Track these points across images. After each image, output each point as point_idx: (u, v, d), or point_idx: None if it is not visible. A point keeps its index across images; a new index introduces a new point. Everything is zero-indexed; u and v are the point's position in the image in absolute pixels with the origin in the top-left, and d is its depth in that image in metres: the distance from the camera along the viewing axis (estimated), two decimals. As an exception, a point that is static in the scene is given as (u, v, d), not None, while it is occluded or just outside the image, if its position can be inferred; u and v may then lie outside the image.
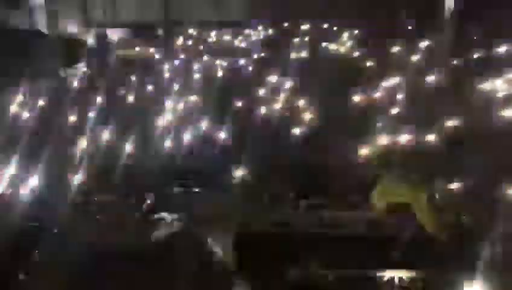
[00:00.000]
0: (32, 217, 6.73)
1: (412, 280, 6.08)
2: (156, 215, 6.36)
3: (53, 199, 7.49)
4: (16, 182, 7.81)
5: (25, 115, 11.12)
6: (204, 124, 10.30)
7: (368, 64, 14.76)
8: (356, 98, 11.49)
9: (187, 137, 9.84)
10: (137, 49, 17.36)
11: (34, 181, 7.73)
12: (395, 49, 15.34)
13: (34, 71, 11.47)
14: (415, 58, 14.61)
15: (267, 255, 6.23)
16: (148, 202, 7.60)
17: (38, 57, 10.95)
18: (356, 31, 18.20)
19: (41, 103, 11.41)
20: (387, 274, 6.16)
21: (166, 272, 5.07)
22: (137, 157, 9.17)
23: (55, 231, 6.07)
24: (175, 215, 6.20)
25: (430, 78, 12.50)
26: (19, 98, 11.63)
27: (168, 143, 9.66)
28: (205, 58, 16.28)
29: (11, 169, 7.98)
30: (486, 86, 11.59)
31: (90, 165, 8.77)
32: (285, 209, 7.45)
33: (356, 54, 16.31)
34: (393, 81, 12.52)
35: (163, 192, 7.80)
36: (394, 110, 10.84)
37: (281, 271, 6.13)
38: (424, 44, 15.21)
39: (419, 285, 6.16)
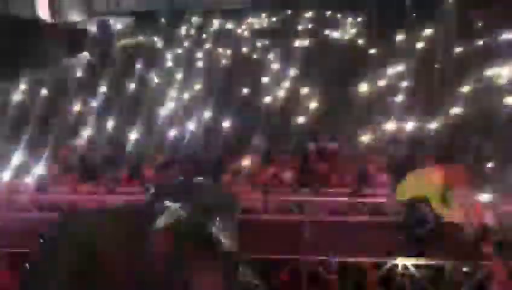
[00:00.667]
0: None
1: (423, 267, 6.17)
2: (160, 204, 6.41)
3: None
4: (22, 170, 7.90)
5: (29, 103, 11.18)
6: (207, 113, 10.28)
7: (372, 51, 14.72)
8: (360, 87, 11.45)
9: (191, 126, 9.83)
10: (140, 38, 17.34)
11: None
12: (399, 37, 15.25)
13: (37, 60, 11.49)
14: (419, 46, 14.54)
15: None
16: (151, 191, 7.67)
17: (41, 46, 10.94)
18: (359, 19, 18.09)
19: (44, 91, 11.48)
20: (399, 261, 6.23)
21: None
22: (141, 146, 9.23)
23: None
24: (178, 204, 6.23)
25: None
26: (23, 86, 11.69)
27: (171, 132, 9.66)
28: (207, 46, 16.23)
29: (17, 157, 8.07)
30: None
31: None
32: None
33: (360, 41, 16.23)
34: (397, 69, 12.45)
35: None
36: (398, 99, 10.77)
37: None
38: (427, 32, 15.10)
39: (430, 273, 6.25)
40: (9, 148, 8.49)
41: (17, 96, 11.39)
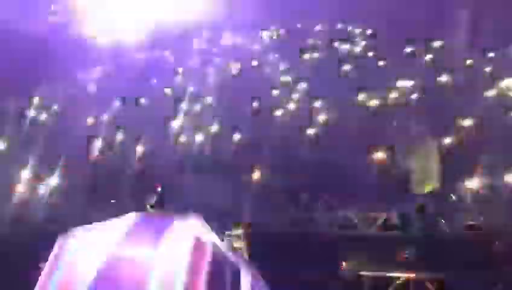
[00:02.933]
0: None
1: (428, 280, 6.15)
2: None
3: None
4: (36, 183, 7.99)
5: (43, 117, 11.33)
6: (218, 125, 10.34)
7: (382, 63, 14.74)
8: (370, 99, 11.46)
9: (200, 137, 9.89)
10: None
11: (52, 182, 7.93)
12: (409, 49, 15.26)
13: (51, 74, 11.63)
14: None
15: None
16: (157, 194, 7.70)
17: (55, 60, 11.10)
18: (370, 31, 18.13)
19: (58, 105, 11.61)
20: (404, 275, 6.22)
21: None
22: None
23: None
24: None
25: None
26: (37, 100, 11.84)
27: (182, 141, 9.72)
28: (218, 60, 16.34)
29: (30, 170, 8.16)
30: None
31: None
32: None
33: (370, 54, 16.26)
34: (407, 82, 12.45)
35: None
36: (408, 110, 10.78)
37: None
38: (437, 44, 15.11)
39: (437, 286, 6.21)
40: (23, 162, 8.57)
41: (30, 111, 11.53)
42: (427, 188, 6.96)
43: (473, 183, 7.38)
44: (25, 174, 8.15)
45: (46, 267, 3.91)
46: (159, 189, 7.42)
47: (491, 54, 13.26)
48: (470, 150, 8.62)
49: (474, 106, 10.53)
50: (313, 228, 7.22)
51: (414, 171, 7.16)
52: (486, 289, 6.11)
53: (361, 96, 11.60)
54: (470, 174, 7.57)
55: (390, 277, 6.35)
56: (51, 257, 3.62)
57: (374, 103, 11.29)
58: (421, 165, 7.01)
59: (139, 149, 9.36)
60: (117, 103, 12.15)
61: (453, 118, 9.91)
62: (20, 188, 7.86)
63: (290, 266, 6.37)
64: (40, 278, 3.20)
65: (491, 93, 11.31)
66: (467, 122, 9.77)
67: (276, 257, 6.37)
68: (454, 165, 8.04)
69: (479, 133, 9.28)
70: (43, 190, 7.96)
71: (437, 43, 14.97)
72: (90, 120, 11.05)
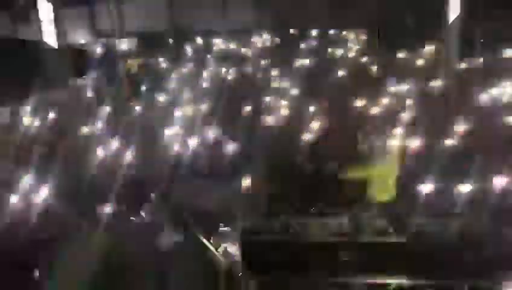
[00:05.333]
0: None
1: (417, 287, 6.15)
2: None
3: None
4: (30, 192, 7.91)
5: (37, 124, 11.27)
6: (212, 131, 10.30)
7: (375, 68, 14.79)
8: (363, 105, 11.45)
9: (194, 143, 9.84)
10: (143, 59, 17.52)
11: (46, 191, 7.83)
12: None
13: (43, 82, 11.61)
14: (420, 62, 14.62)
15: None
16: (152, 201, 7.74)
17: (47, 68, 11.08)
18: (364, 36, 18.20)
19: (52, 113, 11.58)
20: (395, 281, 6.20)
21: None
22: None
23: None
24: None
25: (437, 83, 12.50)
26: (30, 108, 11.82)
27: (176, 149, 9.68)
28: (212, 66, 16.38)
29: (25, 179, 8.08)
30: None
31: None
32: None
33: (364, 59, 16.31)
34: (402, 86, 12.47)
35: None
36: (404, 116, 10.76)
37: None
38: (430, 48, 15.19)
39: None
40: (18, 171, 8.51)
41: (24, 119, 11.50)
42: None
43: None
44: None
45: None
46: (153, 196, 7.50)
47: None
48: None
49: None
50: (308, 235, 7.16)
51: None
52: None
53: (355, 103, 11.56)
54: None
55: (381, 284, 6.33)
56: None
57: (367, 108, 11.25)
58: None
59: (132, 155, 9.30)
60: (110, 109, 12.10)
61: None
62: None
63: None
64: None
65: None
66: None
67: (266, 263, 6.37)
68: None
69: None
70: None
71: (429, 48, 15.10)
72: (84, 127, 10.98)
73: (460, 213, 7.12)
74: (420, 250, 6.32)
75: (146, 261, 5.62)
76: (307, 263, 6.38)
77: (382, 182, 7.01)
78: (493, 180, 7.40)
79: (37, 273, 5.93)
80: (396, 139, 8.08)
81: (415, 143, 8.87)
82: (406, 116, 10.57)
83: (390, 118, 10.32)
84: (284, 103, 12.15)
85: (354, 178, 7.22)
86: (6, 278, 5.75)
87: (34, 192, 7.79)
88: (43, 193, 7.72)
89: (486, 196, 7.31)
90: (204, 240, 6.39)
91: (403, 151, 7.80)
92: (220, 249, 6.54)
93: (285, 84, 13.75)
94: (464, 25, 12.44)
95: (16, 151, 9.65)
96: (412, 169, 8.04)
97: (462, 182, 7.33)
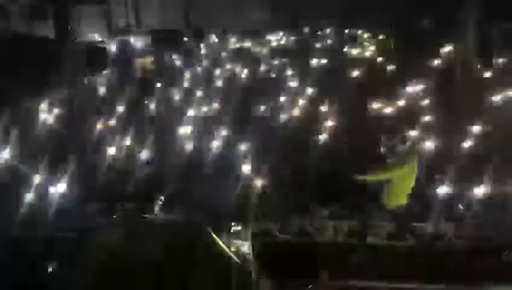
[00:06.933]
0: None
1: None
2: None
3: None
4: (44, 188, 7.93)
5: (51, 122, 11.33)
6: (225, 131, 10.24)
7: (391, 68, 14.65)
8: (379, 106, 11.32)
9: (209, 143, 9.79)
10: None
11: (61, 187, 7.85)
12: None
13: (59, 80, 11.65)
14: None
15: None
16: (160, 201, 7.75)
17: (63, 65, 11.11)
18: (380, 36, 18.06)
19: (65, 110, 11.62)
20: (415, 286, 6.13)
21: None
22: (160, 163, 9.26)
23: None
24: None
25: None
26: (45, 105, 11.89)
27: (189, 148, 9.65)
28: (227, 65, 16.35)
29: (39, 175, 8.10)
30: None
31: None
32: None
33: (380, 59, 16.18)
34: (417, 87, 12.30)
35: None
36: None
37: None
38: (446, 49, 14.99)
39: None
40: (32, 168, 8.53)
41: (39, 115, 11.56)
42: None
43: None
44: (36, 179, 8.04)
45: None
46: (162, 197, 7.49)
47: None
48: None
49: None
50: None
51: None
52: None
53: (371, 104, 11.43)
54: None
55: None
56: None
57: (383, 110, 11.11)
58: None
59: (146, 154, 9.30)
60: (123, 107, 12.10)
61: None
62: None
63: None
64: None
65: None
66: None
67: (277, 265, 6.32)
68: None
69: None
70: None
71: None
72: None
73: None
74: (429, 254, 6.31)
75: (159, 261, 5.59)
76: (319, 264, 6.31)
77: (402, 185, 6.85)
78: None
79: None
80: (414, 142, 7.96)
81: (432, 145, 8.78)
82: (424, 117, 10.47)
83: (408, 120, 10.22)
84: (300, 102, 12.08)
85: (373, 181, 7.08)
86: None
87: (49, 188, 7.82)
88: (59, 190, 7.76)
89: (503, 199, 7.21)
90: (218, 239, 6.35)
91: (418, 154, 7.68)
92: (233, 249, 6.51)
93: (300, 83, 13.66)
94: (481, 26, 12.23)
95: (32, 147, 9.70)
96: (428, 172, 7.95)
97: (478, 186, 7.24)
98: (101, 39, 18.12)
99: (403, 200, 6.88)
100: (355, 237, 6.88)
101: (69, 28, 11.03)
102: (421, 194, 7.41)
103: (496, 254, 6.32)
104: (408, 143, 7.08)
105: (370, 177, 7.00)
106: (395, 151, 6.97)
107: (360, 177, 6.98)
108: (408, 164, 6.82)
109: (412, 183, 6.86)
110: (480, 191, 7.16)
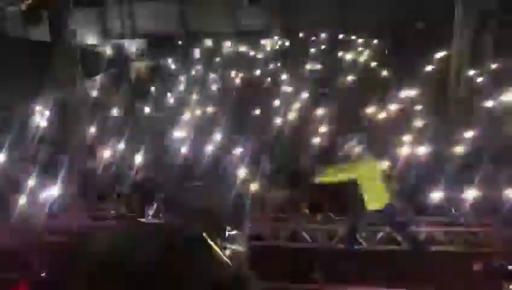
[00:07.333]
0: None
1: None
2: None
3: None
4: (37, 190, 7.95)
5: (44, 124, 11.32)
6: (220, 135, 10.26)
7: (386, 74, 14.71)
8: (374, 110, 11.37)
9: (203, 146, 9.81)
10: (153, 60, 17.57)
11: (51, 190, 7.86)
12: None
13: (53, 82, 11.65)
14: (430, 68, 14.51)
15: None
16: (156, 204, 7.76)
17: (58, 69, 11.10)
18: (375, 41, 18.10)
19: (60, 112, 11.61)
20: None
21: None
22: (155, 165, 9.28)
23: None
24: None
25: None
26: (39, 108, 11.88)
27: (184, 152, 9.66)
28: (221, 69, 16.38)
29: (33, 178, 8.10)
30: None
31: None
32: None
33: (374, 63, 16.23)
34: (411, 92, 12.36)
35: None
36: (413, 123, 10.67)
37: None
38: (440, 54, 15.05)
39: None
40: (27, 170, 8.54)
41: (35, 117, 11.56)
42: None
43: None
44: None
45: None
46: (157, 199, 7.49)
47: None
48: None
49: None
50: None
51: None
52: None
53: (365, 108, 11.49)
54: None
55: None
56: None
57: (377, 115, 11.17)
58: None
59: (141, 158, 9.32)
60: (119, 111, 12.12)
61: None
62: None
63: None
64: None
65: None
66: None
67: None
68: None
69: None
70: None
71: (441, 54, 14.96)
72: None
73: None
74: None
75: (153, 263, 5.59)
76: (312, 269, 6.34)
77: (370, 183, 6.72)
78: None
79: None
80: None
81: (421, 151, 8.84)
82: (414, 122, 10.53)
83: (396, 124, 10.29)
84: (292, 106, 12.12)
85: (332, 181, 6.95)
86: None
87: (40, 192, 7.83)
88: (53, 194, 7.77)
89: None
90: (213, 244, 6.34)
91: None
92: (227, 252, 6.51)
93: (294, 87, 13.71)
94: (474, 31, 12.30)
95: (27, 150, 9.71)
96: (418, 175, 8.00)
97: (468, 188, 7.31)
98: (96, 43, 18.13)
99: (383, 200, 6.72)
100: (345, 242, 6.90)
101: (65, 31, 11.02)
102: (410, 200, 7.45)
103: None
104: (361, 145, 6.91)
105: (328, 178, 6.84)
106: (347, 151, 6.86)
107: (320, 178, 6.84)
108: (364, 161, 6.67)
109: (380, 181, 6.74)
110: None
